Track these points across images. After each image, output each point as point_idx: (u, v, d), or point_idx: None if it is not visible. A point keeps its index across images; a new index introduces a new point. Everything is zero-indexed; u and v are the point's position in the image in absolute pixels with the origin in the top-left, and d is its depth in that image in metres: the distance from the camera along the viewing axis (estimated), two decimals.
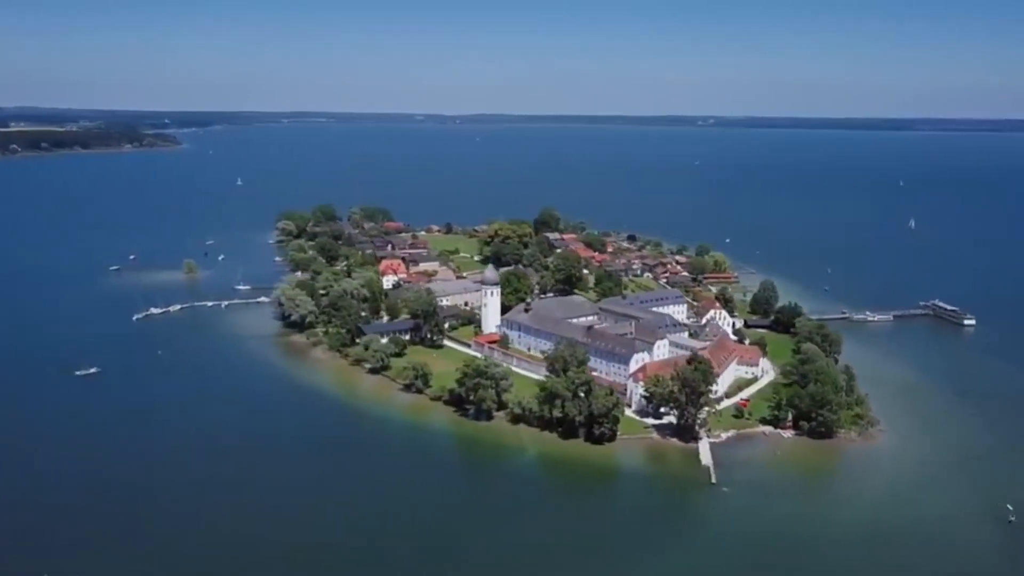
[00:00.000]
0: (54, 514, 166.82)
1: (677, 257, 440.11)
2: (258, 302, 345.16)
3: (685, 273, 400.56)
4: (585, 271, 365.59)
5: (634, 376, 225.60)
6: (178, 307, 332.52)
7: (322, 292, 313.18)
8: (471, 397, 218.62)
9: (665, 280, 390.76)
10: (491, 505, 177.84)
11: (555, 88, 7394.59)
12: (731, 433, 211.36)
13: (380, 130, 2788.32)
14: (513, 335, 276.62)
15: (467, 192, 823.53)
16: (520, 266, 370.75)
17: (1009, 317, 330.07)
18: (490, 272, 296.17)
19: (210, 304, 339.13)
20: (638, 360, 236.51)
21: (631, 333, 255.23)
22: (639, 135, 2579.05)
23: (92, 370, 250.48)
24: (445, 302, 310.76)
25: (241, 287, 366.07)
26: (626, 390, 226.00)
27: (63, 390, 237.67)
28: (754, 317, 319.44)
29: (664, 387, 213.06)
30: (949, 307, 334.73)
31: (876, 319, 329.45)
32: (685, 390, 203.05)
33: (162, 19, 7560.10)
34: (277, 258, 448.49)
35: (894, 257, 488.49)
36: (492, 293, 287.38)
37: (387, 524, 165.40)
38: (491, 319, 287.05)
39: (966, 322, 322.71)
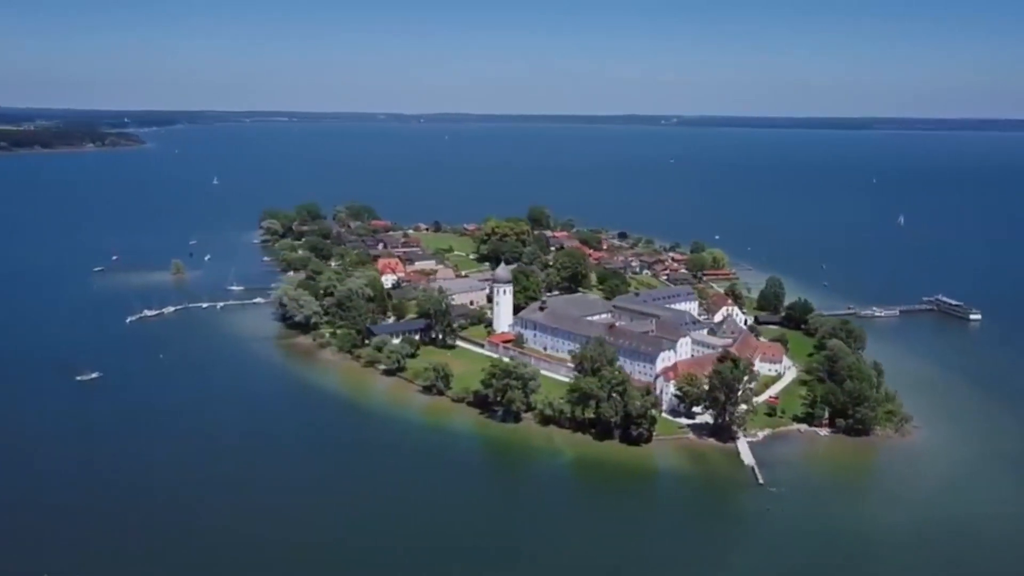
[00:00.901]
0: (58, 515, 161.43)
1: (672, 254, 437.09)
2: (254, 303, 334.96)
3: (684, 270, 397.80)
4: None
5: (664, 375, 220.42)
6: (172, 309, 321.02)
7: (325, 292, 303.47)
8: (500, 398, 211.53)
9: (666, 277, 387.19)
10: (532, 510, 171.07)
11: (516, 87, 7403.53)
12: (766, 432, 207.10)
13: (344, 129, 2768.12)
14: (528, 334, 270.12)
15: (447, 190, 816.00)
16: (521, 264, 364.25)
17: (1013, 311, 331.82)
18: (502, 270, 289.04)
19: (205, 305, 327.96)
20: (664, 359, 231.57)
21: (653, 331, 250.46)
22: (604, 134, 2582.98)
23: (93, 375, 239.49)
24: (452, 301, 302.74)
25: (234, 288, 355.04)
26: (654, 389, 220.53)
27: (65, 396, 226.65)
28: (763, 313, 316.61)
29: (697, 386, 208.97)
30: (953, 302, 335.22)
31: (882, 314, 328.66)
32: (724, 388, 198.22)
33: (118, 18, 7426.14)
34: (266, 258, 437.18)
35: (887, 253, 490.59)
36: (504, 291, 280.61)
37: (425, 530, 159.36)
38: (504, 318, 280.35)
39: (972, 316, 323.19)
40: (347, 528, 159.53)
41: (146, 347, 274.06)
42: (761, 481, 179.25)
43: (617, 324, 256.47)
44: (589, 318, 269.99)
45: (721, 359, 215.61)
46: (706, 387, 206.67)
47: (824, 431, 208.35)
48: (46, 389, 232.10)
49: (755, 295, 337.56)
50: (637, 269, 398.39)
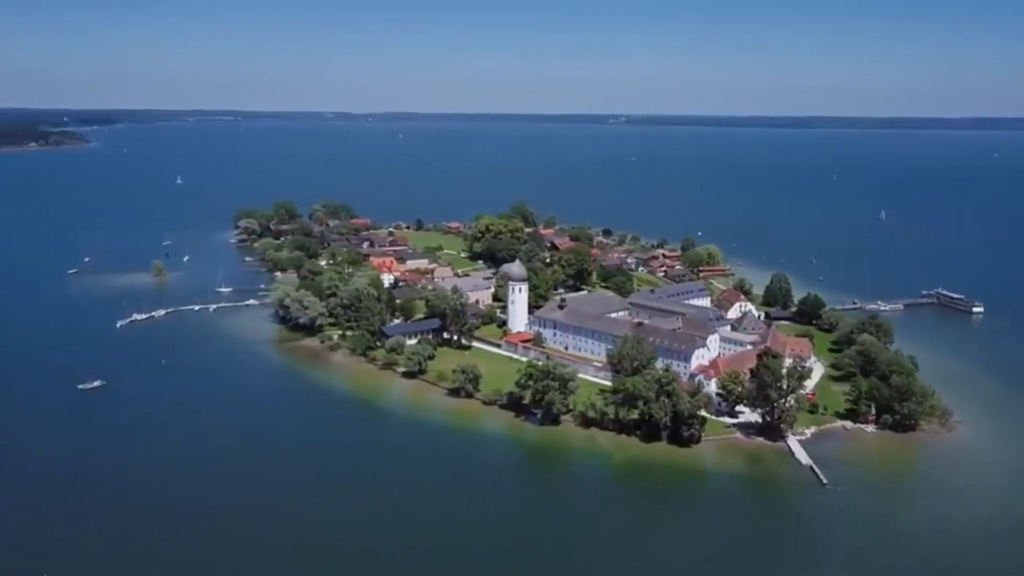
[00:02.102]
0: (61, 516, 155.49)
1: (661, 251, 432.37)
2: (247, 305, 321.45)
3: (679, 267, 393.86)
4: None
5: (705, 373, 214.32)
6: (163, 312, 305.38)
7: (328, 293, 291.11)
8: (540, 400, 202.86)
9: (663, 274, 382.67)
10: (590, 516, 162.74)
11: (462, 87, 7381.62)
12: (812, 429, 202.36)
13: (292, 128, 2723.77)
14: (547, 333, 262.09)
15: (416, 188, 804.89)
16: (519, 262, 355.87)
17: (1013, 303, 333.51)
18: (517, 267, 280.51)
19: (197, 308, 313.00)
20: (699, 356, 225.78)
21: (679, 328, 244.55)
22: (555, 133, 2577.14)
23: (96, 383, 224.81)
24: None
25: (223, 289, 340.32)
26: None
27: (70, 406, 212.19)
28: (772, 309, 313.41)
29: (742, 383, 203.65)
30: (955, 295, 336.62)
31: (887, 309, 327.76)
32: (776, 385, 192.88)
33: (55, 14, 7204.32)
34: (248, 258, 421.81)
35: (874, 247, 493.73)
36: (520, 290, 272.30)
37: (481, 535, 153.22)
38: (519, 317, 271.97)
39: (975, 310, 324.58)
40: (397, 534, 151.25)
41: (144, 352, 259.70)
42: (825, 481, 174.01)
43: (645, 322, 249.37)
44: (610, 315, 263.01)
45: (761, 356, 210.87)
46: (749, 384, 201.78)
47: (870, 427, 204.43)
48: (48, 399, 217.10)
49: (755, 291, 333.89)
50: (633, 266, 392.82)
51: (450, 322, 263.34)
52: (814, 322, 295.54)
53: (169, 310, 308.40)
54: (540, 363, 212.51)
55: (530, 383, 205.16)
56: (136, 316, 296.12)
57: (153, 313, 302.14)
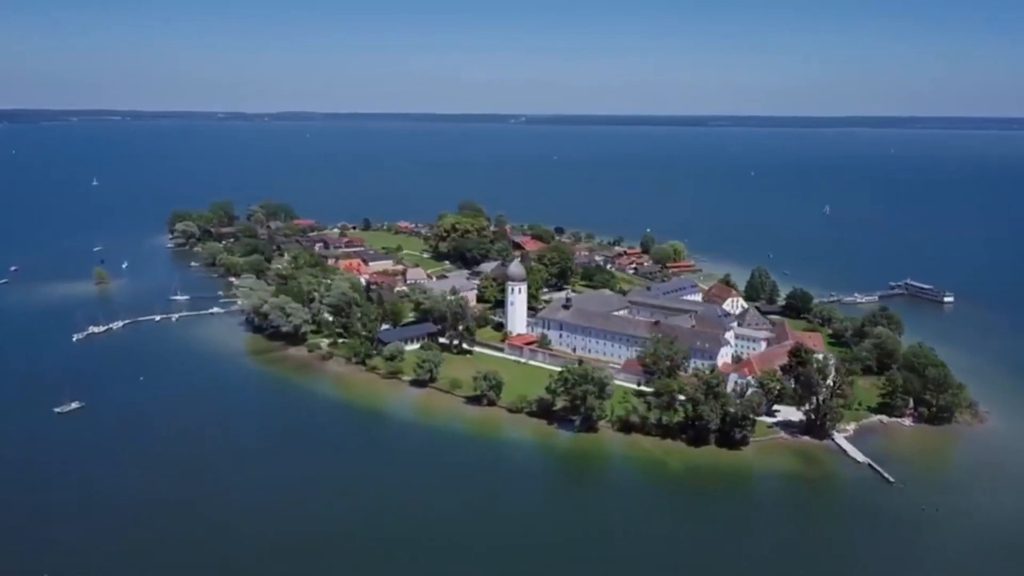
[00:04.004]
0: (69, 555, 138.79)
1: (619, 248, 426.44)
2: (211, 313, 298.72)
3: (648, 263, 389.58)
4: None
5: (739, 371, 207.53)
6: (121, 324, 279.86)
7: (308, 298, 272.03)
8: (580, 406, 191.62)
9: (633, 271, 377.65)
10: (664, 529, 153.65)
11: (362, 86, 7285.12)
12: (852, 425, 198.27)
13: (185, 128, 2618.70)
14: (553, 335, 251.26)
15: (344, 188, 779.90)
16: (494, 261, 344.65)
17: (979, 292, 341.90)
18: (515, 267, 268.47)
19: (158, 319, 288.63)
20: (724, 354, 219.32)
21: (693, 326, 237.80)
22: (459, 132, 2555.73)
23: (74, 405, 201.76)
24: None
25: (179, 297, 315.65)
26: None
27: (52, 432, 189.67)
28: (760, 303, 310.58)
29: (779, 381, 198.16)
30: (924, 285, 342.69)
31: (863, 300, 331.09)
32: (825, 383, 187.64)
33: None
34: (193, 263, 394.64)
35: (826, 240, 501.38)
36: (519, 290, 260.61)
37: (548, 550, 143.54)
38: (519, 319, 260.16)
39: (945, 299, 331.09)
40: (449, 550, 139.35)
41: (115, 369, 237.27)
42: (891, 479, 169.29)
43: (662, 321, 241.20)
44: (615, 314, 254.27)
45: (792, 352, 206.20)
46: (788, 382, 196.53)
47: (908, 421, 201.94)
48: (24, 425, 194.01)
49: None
50: (601, 264, 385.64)
51: (450, 326, 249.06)
52: (802, 316, 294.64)
53: (127, 321, 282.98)
54: (572, 367, 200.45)
55: (565, 388, 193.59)
56: (93, 329, 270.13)
57: (111, 325, 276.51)
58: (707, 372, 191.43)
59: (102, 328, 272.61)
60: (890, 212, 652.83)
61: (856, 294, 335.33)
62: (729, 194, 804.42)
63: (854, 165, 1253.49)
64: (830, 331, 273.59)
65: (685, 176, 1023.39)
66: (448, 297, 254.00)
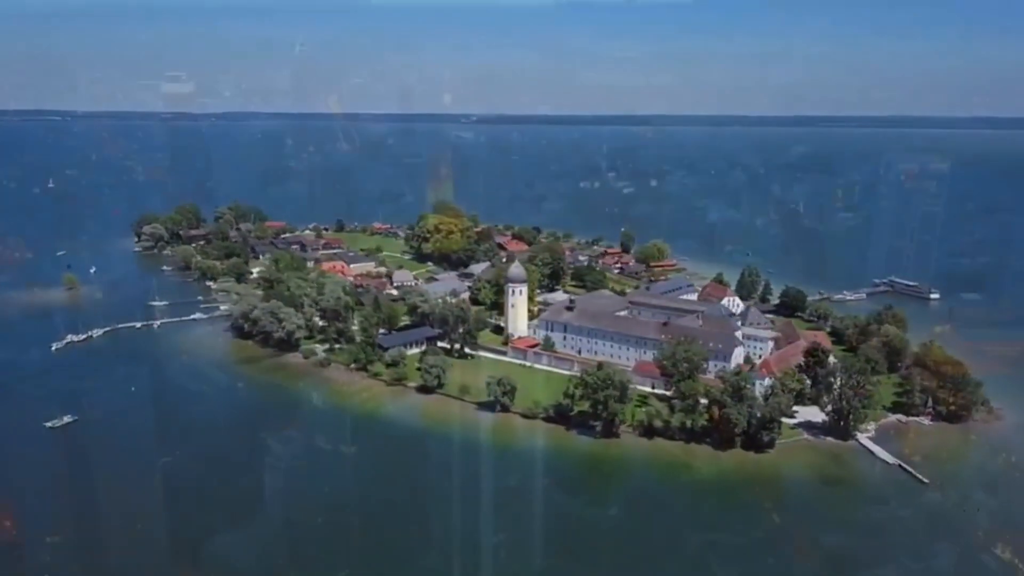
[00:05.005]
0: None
1: (599, 247, 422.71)
2: (194, 319, 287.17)
3: (632, 263, 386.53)
4: None
5: (758, 372, 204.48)
6: (100, 332, 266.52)
7: (298, 303, 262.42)
8: (602, 411, 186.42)
9: (619, 271, 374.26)
10: (711, 537, 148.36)
11: (306, 84, 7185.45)
12: (873, 425, 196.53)
13: (130, 128, 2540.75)
14: (557, 337, 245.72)
15: (304, 189, 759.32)
16: (482, 263, 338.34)
17: (962, 288, 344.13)
18: (516, 268, 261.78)
19: (139, 325, 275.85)
20: (738, 355, 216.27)
21: (701, 326, 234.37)
22: (419, 131, 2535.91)
23: (66, 419, 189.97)
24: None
25: (157, 303, 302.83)
26: None
27: (46, 448, 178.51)
28: (748, 302, 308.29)
29: (800, 381, 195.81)
30: (909, 283, 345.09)
31: (852, 298, 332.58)
32: (851, 382, 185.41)
33: None
34: (165, 267, 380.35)
35: (799, 238, 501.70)
36: (520, 292, 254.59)
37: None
38: (520, 321, 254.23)
39: (931, 296, 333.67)
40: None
41: (101, 379, 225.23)
42: (926, 480, 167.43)
43: (671, 321, 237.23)
44: (619, 314, 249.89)
45: (808, 352, 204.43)
46: (809, 382, 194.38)
47: (926, 419, 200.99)
48: (16, 441, 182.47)
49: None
50: (585, 264, 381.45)
51: (452, 329, 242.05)
52: (797, 314, 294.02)
53: (106, 328, 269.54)
54: (592, 370, 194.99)
55: (585, 392, 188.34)
56: (72, 337, 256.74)
57: (91, 333, 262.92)
58: (732, 374, 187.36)
59: (81, 336, 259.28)
60: (869, 210, 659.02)
61: (844, 292, 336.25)
62: (693, 193, 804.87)
63: (826, 164, 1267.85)
64: (828, 329, 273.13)
65: (640, 173, 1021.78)
66: (449, 300, 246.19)
